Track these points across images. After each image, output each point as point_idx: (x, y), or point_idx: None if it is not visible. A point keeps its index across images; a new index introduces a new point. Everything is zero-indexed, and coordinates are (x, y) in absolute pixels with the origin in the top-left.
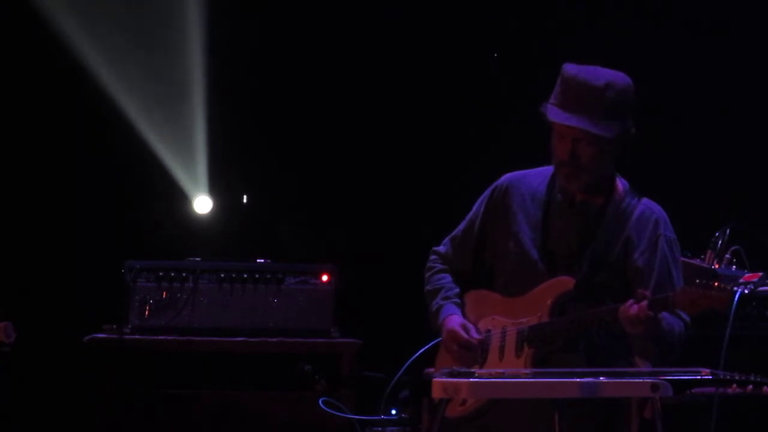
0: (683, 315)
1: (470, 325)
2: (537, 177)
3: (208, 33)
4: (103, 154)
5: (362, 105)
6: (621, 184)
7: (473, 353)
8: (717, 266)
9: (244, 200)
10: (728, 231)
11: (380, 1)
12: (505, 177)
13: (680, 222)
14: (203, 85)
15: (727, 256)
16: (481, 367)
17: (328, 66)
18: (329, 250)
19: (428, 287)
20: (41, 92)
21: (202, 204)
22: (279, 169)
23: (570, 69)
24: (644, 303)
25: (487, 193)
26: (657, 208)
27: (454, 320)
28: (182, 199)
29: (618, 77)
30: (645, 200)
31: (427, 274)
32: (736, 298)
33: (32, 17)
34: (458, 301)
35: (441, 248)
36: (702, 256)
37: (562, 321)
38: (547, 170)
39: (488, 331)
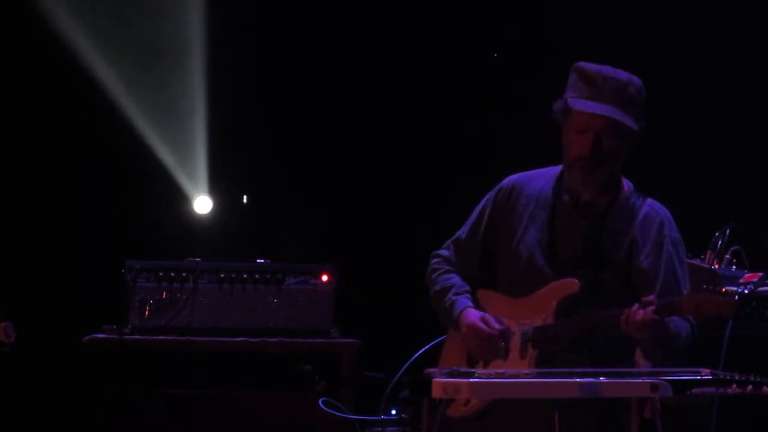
0: (690, 317)
1: (489, 317)
2: (542, 178)
3: (208, 34)
4: (104, 155)
5: (362, 105)
6: (626, 184)
7: (496, 345)
8: (717, 266)
9: (244, 200)
10: (728, 231)
11: (380, 1)
12: (509, 179)
13: (680, 222)
14: (203, 85)
15: (727, 256)
16: (504, 360)
17: (328, 66)
18: (329, 250)
19: (436, 287)
20: (42, 93)
21: (202, 204)
22: (279, 170)
23: (589, 66)
24: (650, 308)
25: (491, 195)
26: (662, 209)
27: (472, 314)
28: (182, 199)
29: (633, 76)
30: (650, 201)
31: (433, 276)
32: (736, 299)
33: (34, 18)
34: (470, 296)
35: (444, 252)
36: (702, 256)
37: (567, 323)
38: (552, 171)
39: None
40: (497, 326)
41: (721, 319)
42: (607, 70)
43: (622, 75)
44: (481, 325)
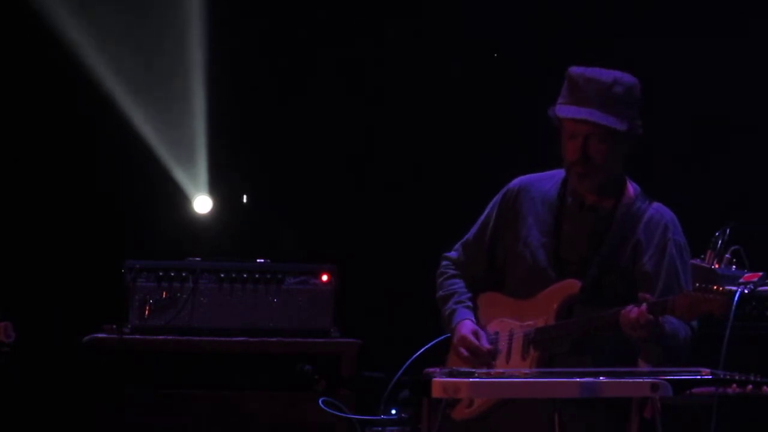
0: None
1: (482, 332)
2: (548, 181)
3: (208, 33)
4: (104, 154)
5: (362, 106)
6: (632, 187)
7: (482, 360)
8: (717, 266)
9: (244, 200)
10: (728, 231)
11: (382, 2)
12: (517, 180)
13: (680, 221)
14: (203, 85)
15: (727, 256)
16: (507, 362)
17: (329, 66)
18: (329, 250)
19: (441, 293)
20: (42, 92)
21: (202, 204)
22: (279, 169)
23: (576, 69)
24: (644, 307)
25: (498, 196)
26: (668, 212)
27: (466, 326)
28: (182, 199)
29: (624, 75)
30: (656, 204)
31: (439, 280)
32: (735, 298)
33: (33, 18)
34: (470, 305)
35: (452, 254)
36: (702, 256)
37: (567, 324)
38: (558, 173)
39: (496, 333)
40: (486, 344)
41: (715, 317)
42: (592, 72)
43: (607, 76)
44: (471, 338)
